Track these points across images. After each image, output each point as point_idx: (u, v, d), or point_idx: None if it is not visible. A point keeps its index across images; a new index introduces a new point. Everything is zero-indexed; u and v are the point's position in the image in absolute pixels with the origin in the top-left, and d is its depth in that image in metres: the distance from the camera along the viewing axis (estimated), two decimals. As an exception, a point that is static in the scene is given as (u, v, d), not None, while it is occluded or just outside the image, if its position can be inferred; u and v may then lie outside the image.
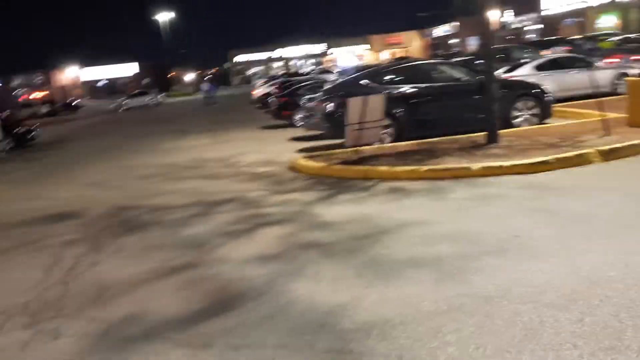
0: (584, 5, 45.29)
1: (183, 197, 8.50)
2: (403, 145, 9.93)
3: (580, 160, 7.48)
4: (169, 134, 20.79)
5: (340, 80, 12.74)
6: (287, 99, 17.98)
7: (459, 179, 7.45)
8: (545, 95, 11.39)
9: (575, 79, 16.33)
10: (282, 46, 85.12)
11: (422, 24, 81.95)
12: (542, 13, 51.07)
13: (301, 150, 11.99)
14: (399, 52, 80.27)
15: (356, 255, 4.94)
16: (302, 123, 14.15)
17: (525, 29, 54.86)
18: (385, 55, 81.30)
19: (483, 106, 11.01)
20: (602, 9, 44.14)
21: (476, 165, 7.55)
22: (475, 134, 10.19)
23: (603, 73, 16.76)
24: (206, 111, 33.67)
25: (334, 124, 10.83)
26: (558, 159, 7.43)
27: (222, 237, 6.03)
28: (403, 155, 9.00)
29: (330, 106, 11.02)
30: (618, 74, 16.64)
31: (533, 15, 52.90)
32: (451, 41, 71.69)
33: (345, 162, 8.91)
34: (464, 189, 6.98)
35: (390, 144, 10.04)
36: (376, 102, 8.90)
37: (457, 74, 11.64)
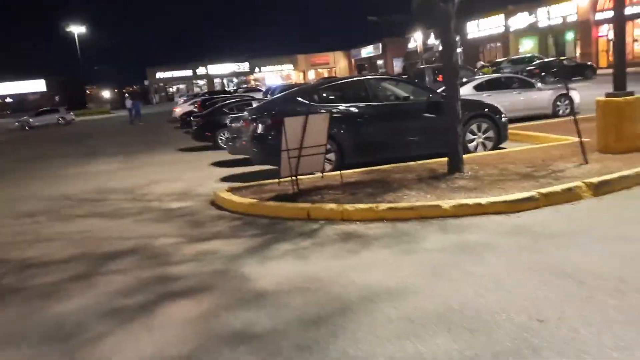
0: (503, 30, 46.41)
1: (66, 247, 6.43)
2: (350, 174, 8.34)
3: (569, 196, 6.16)
4: (76, 156, 18.24)
5: (271, 97, 11.04)
6: (209, 118, 16.05)
7: (426, 219, 5.91)
8: (501, 116, 10.22)
9: (515, 100, 15.57)
10: (206, 64, 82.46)
11: (348, 45, 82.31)
12: (466, 36, 52.06)
13: (226, 179, 10.14)
14: (324, 72, 79.96)
15: (310, 360, 3.21)
16: (227, 146, 12.30)
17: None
18: (311, 75, 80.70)
19: (437, 128, 9.75)
20: (521, 34, 45.36)
21: (447, 203, 6.04)
22: (432, 161, 8.80)
23: (543, 94, 16.18)
24: (122, 130, 30.90)
25: (265, 149, 9.11)
26: (544, 195, 6.07)
27: (104, 322, 4.10)
28: (352, 187, 7.38)
29: (260, 127, 9.28)
30: (558, 95, 16.08)
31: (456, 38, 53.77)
32: (377, 62, 72.11)
33: (282, 197, 7.18)
34: (437, 235, 5.44)
35: (334, 173, 8.41)
36: (319, 123, 7.26)
37: (406, 91, 10.26)
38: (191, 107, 25.84)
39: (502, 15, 46.48)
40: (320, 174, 8.08)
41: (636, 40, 36.41)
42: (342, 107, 9.47)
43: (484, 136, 10.03)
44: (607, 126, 8.13)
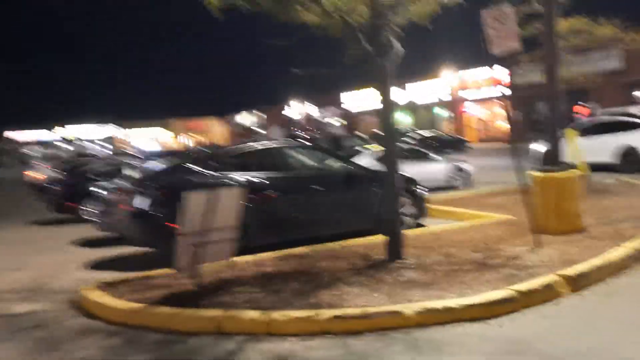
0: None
1: None
2: (263, 261, 6.65)
3: (549, 294, 5.01)
4: None
5: (156, 165, 9.12)
6: (72, 186, 13.45)
7: (386, 332, 4.38)
8: (419, 189, 9.22)
9: (413, 172, 15.02)
10: (65, 124, 76.28)
11: (225, 111, 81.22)
12: (343, 107, 53.45)
13: (94, 266, 7.90)
14: (199, 138, 77.72)
15: None
16: (96, 220, 9.99)
17: (329, 121, 56.78)
18: (184, 140, 77.94)
19: (358, 203, 8.49)
20: (397, 108, 47.26)
21: (408, 308, 4.58)
22: (357, 242, 7.44)
23: (439, 166, 15.87)
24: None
25: (151, 228, 7.19)
26: (523, 294, 4.86)
27: None
28: (271, 281, 5.69)
29: (145, 200, 7.34)
30: (453, 167, 15.87)
31: (337, 110, 55.08)
32: (256, 129, 71.63)
33: (179, 299, 5.27)
34: (406, 358, 3.93)
35: (242, 259, 6.63)
36: (230, 200, 5.56)
37: (321, 161, 8.95)
38: (49, 172, 22.61)
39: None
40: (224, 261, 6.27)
41: (499, 119, 39.31)
42: (249, 177, 7.86)
43: (403, 212, 8.91)
44: (547, 204, 7.32)
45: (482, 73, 38.58)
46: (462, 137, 35.97)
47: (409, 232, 8.19)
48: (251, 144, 9.12)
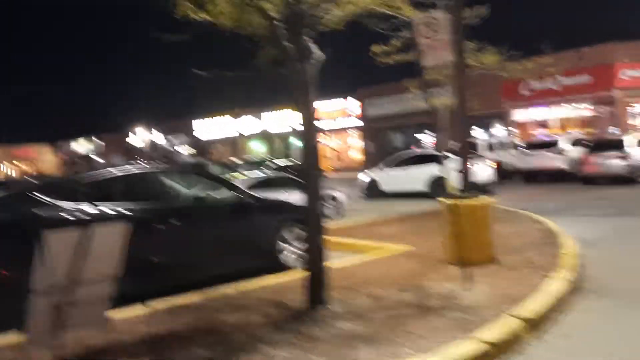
0: (235, 134, 47.06)
1: None
2: (150, 317, 5.08)
3: (513, 342, 4.25)
4: None
5: None
6: None
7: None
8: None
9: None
10: None
11: (56, 138, 73.71)
12: (195, 135, 51.30)
13: None
14: (27, 167, 69.47)
15: None
16: None
17: (176, 149, 54.04)
18: (6, 169, 69.19)
19: (249, 236, 7.25)
20: (251, 137, 46.52)
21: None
22: (256, 285, 6.20)
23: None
24: None
25: None
26: (493, 345, 4.03)
27: None
28: (165, 347, 4.22)
29: None
30: (327, 195, 15.24)
31: (184, 137, 52.62)
32: (93, 157, 65.91)
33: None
34: None
35: (122, 317, 4.99)
36: (109, 239, 4.02)
37: (200, 188, 7.53)
38: None
39: (231, 117, 47.17)
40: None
41: (352, 149, 40.32)
42: (116, 208, 6.23)
43: (298, 245, 7.84)
44: (461, 234, 6.75)
45: (335, 104, 39.39)
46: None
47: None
48: (110, 169, 7.43)
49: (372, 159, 34.16)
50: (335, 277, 6.30)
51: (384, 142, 37.14)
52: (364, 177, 20.04)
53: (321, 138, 41.86)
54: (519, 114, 28.92)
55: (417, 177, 17.86)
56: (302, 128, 5.18)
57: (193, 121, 51.07)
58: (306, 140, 5.22)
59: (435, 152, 18.73)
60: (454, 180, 13.57)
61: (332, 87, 39.05)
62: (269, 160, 35.97)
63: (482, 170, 17.72)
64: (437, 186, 16.81)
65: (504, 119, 29.37)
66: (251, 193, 7.89)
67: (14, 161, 71.37)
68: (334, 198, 15.39)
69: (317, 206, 5.26)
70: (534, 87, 27.08)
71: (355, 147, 39.97)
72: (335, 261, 7.60)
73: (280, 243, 7.65)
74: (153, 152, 54.94)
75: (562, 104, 26.86)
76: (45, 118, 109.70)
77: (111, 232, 4.08)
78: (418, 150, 20.80)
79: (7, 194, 6.57)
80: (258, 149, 46.34)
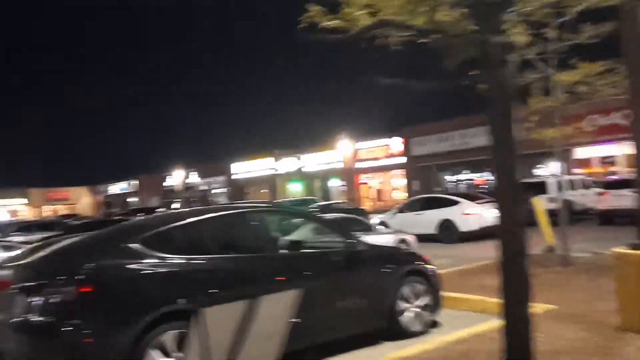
0: (272, 172, 46.33)
1: None
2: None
3: None
4: None
5: (59, 241, 5.99)
6: None
7: None
8: (432, 271, 6.99)
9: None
10: None
11: (94, 181, 74.28)
12: (232, 177, 50.77)
13: None
14: (64, 209, 69.83)
15: None
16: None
17: (213, 191, 53.58)
18: (47, 212, 69.58)
19: (362, 293, 6.08)
20: (288, 177, 45.71)
21: None
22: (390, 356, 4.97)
23: (386, 238, 13.93)
24: None
25: (49, 350, 4.31)
26: None
27: None
28: None
29: (40, 307, 4.43)
30: (399, 239, 14.02)
31: (221, 178, 52.15)
32: (129, 199, 65.89)
33: None
34: None
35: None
36: (275, 313, 2.90)
37: (305, 233, 6.43)
38: None
39: (270, 159, 46.58)
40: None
41: (396, 189, 39.07)
42: (201, 261, 5.15)
43: (419, 303, 6.60)
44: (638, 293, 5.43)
45: (379, 143, 38.48)
46: (360, 207, 34.87)
47: (457, 340, 5.84)
48: (199, 208, 6.38)
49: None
50: (494, 348, 5.03)
51: (430, 181, 35.84)
52: (376, 220, 20.04)
53: (363, 178, 40.84)
54: (582, 151, 27.42)
55: (428, 221, 17.92)
56: (495, 146, 4.01)
57: (232, 164, 50.65)
58: (502, 160, 4.04)
59: (445, 196, 19.31)
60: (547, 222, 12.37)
61: (376, 126, 38.27)
62: (312, 201, 34.92)
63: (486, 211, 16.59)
64: (446, 229, 17.30)
65: (565, 156, 27.86)
66: (362, 239, 6.69)
67: (53, 203, 71.90)
68: (403, 241, 14.14)
69: (523, 247, 3.98)
70: (599, 122, 25.70)
71: (398, 187, 38.71)
72: (466, 324, 6.32)
73: (401, 302, 6.42)
74: (189, 193, 54.61)
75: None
76: (83, 161, 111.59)
77: (279, 303, 2.96)
78: (428, 196, 21.21)
79: (87, 241, 5.55)
80: (296, 189, 45.45)
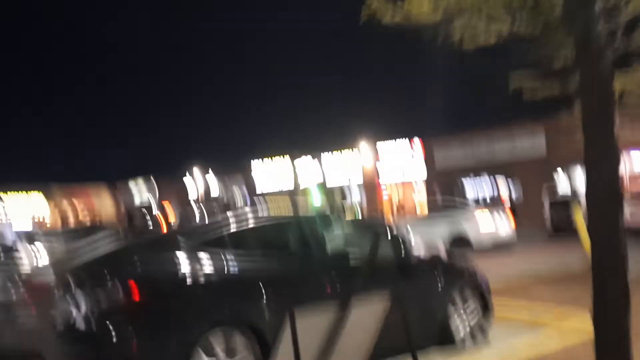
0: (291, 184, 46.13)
1: None
2: None
3: None
4: None
5: (106, 236, 5.89)
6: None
7: None
8: (485, 283, 6.80)
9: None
10: None
11: (112, 178, 74.58)
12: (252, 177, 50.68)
13: None
14: (85, 207, 70.13)
15: None
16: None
17: (231, 191, 53.54)
18: (67, 209, 69.89)
19: (422, 309, 5.91)
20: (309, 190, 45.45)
21: None
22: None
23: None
24: None
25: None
26: None
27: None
28: None
29: (91, 312, 4.41)
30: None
31: (242, 180, 52.15)
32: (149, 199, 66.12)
33: None
34: None
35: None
36: (365, 322, 2.78)
37: (365, 240, 6.26)
38: None
39: (289, 159, 46.42)
40: None
41: (414, 200, 38.75)
42: (261, 267, 5.03)
43: (469, 315, 6.41)
44: None
45: (400, 152, 38.30)
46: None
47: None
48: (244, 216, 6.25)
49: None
50: None
51: (453, 193, 35.48)
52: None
53: (384, 189, 40.57)
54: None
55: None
56: (601, 149, 3.85)
57: (251, 162, 50.45)
58: (605, 164, 3.87)
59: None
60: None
61: (397, 135, 38.09)
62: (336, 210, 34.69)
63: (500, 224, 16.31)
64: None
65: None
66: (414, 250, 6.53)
67: (72, 201, 72.17)
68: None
69: (621, 252, 3.80)
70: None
71: (420, 199, 38.35)
72: (516, 335, 6.11)
73: (455, 316, 6.23)
74: (204, 194, 54.61)
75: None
76: (104, 158, 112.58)
77: (369, 312, 2.82)
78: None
79: (138, 241, 5.47)
80: (316, 201, 45.19)
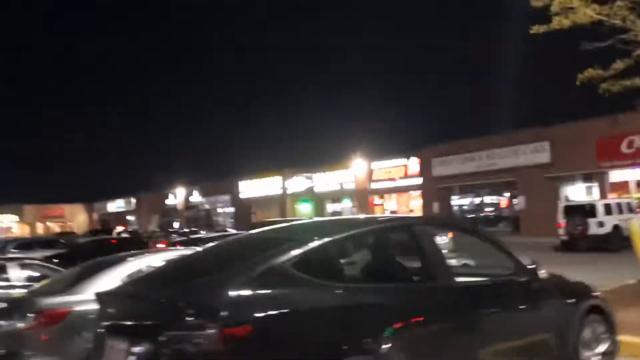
0: (281, 192, 44.82)
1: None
2: None
3: None
4: None
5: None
6: None
7: None
8: (609, 306, 5.50)
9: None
10: None
11: (90, 198, 72.15)
12: (240, 195, 49.11)
13: None
14: (58, 227, 67.59)
15: None
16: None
17: (218, 209, 51.96)
18: (40, 229, 67.32)
19: (547, 335, 4.61)
20: (299, 197, 44.22)
21: None
22: None
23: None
24: None
25: None
26: None
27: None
28: None
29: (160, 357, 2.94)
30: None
31: (226, 197, 50.52)
32: (128, 217, 63.92)
33: None
34: None
35: None
36: None
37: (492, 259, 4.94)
38: None
39: (279, 178, 45.06)
40: None
41: (412, 211, 37.64)
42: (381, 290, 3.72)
43: (599, 349, 5.09)
44: None
45: (395, 164, 37.21)
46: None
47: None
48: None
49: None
50: None
51: (450, 204, 34.51)
52: None
53: (378, 200, 39.39)
54: (617, 175, 26.15)
55: None
56: None
57: (239, 182, 48.95)
58: None
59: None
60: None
61: (393, 146, 36.99)
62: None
63: None
64: None
65: (599, 179, 26.61)
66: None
67: (45, 221, 69.57)
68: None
69: None
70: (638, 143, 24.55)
71: (416, 209, 37.26)
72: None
73: (583, 349, 4.92)
74: (192, 212, 52.91)
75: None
76: (81, 178, 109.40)
77: None
78: None
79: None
80: (306, 209, 43.89)
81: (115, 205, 67.51)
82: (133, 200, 63.27)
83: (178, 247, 10.62)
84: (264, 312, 3.13)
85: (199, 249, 5.07)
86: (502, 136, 30.11)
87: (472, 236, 5.31)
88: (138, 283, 3.98)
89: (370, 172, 38.87)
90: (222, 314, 3.02)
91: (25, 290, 7.40)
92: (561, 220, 20.56)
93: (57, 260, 13.60)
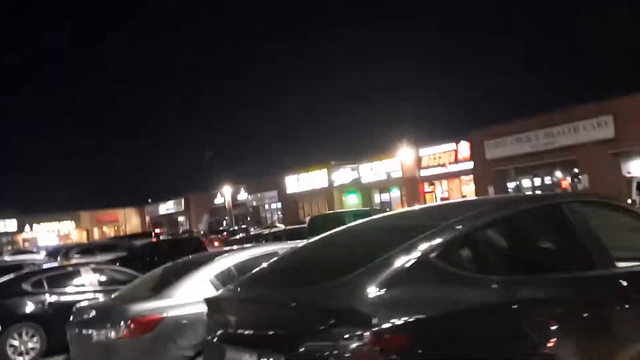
0: (328, 185, 44.47)
1: None
2: None
3: None
4: None
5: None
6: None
7: None
8: None
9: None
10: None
11: (141, 201, 73.54)
12: (287, 191, 49.03)
13: None
14: (111, 231, 69.28)
15: None
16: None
17: (266, 207, 52.06)
18: (97, 234, 69.17)
19: None
20: (346, 189, 43.77)
21: None
22: None
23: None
24: None
25: None
26: None
27: None
28: None
29: None
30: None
31: (272, 193, 50.52)
32: (179, 218, 64.91)
33: None
34: None
35: None
36: None
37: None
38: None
39: (325, 170, 44.70)
40: None
41: (464, 196, 36.59)
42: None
43: None
44: None
45: (445, 149, 36.25)
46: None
47: None
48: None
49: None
50: None
51: (506, 187, 33.32)
52: None
53: (428, 187, 38.52)
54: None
55: None
56: None
57: (285, 177, 48.87)
58: None
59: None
60: None
61: (443, 130, 36.00)
62: (374, 211, 32.71)
63: None
64: None
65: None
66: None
67: (100, 226, 71.25)
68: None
69: None
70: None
71: (469, 195, 36.23)
72: None
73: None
74: (238, 210, 53.09)
75: None
76: (132, 181, 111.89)
77: None
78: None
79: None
80: (353, 201, 43.38)
81: (165, 208, 68.59)
82: (182, 201, 64.15)
83: (261, 243, 10.27)
84: (421, 316, 2.63)
85: (303, 242, 4.60)
86: (560, 113, 28.79)
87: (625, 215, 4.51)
88: (252, 285, 3.55)
89: (419, 159, 38.00)
90: (374, 320, 2.55)
91: (106, 296, 7.21)
92: (635, 197, 19.43)
93: (118, 264, 13.64)
